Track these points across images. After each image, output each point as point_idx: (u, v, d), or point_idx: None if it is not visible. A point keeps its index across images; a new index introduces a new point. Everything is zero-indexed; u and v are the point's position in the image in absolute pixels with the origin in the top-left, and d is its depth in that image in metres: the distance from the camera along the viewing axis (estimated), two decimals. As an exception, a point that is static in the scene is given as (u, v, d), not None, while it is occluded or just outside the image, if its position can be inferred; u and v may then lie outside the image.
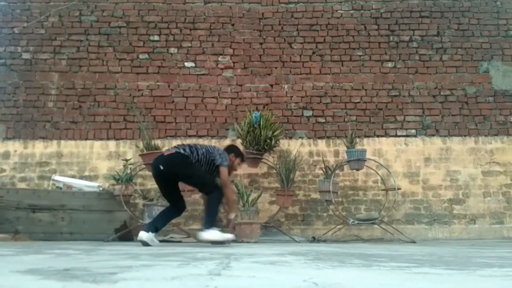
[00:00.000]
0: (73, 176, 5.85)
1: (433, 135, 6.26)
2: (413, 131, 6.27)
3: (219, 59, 6.43)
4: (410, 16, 6.64)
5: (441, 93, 6.39)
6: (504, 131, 6.27)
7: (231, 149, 4.51)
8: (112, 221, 5.12)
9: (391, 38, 6.56)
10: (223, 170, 4.13)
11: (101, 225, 5.04)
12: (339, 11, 6.63)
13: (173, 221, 5.34)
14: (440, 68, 6.47)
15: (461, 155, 6.18)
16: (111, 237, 4.91)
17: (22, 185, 5.85)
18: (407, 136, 6.25)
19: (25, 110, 6.18)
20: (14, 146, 6.05)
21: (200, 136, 6.16)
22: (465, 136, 6.25)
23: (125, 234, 5.06)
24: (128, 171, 5.31)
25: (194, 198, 5.73)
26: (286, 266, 1.82)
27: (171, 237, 5.17)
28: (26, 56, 6.36)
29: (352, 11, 6.64)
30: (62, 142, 6.10)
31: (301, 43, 6.51)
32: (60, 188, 5.34)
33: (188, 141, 6.11)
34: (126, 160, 5.41)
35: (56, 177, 5.51)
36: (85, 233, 4.94)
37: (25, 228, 4.77)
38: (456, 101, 6.37)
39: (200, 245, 4.05)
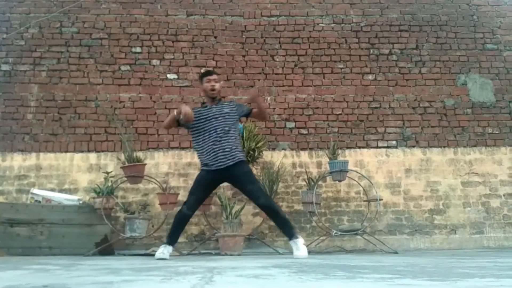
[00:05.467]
0: (52, 190, 5.74)
1: (413, 146, 6.35)
2: (394, 142, 6.35)
3: (202, 71, 6.42)
4: (389, 29, 6.78)
5: (421, 105, 6.51)
6: (482, 142, 6.40)
7: None
8: (92, 235, 5.01)
9: (371, 51, 6.67)
10: None
11: (81, 239, 4.93)
12: (320, 24, 6.73)
13: (155, 234, 5.33)
14: (419, 80, 6.59)
15: (440, 166, 6.28)
16: (91, 251, 4.81)
17: (-1, 199, 5.72)
18: (388, 147, 6.33)
19: (3, 122, 6.06)
20: (-8, 159, 5.93)
21: (183, 148, 6.13)
22: (444, 147, 6.36)
23: (106, 248, 4.97)
24: (109, 184, 5.23)
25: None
26: (270, 280, 1.81)
27: (153, 251, 5.09)
28: (5, 67, 6.26)
29: (333, 25, 6.74)
30: (41, 154, 5.99)
31: (283, 55, 6.57)
32: (39, 201, 5.23)
33: (171, 153, 6.09)
34: (107, 173, 5.34)
35: (35, 191, 5.39)
36: (65, 248, 4.83)
37: (3, 243, 4.64)
38: (435, 113, 6.49)
39: (182, 259, 4.01)
